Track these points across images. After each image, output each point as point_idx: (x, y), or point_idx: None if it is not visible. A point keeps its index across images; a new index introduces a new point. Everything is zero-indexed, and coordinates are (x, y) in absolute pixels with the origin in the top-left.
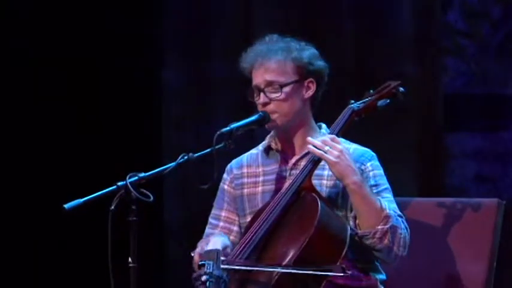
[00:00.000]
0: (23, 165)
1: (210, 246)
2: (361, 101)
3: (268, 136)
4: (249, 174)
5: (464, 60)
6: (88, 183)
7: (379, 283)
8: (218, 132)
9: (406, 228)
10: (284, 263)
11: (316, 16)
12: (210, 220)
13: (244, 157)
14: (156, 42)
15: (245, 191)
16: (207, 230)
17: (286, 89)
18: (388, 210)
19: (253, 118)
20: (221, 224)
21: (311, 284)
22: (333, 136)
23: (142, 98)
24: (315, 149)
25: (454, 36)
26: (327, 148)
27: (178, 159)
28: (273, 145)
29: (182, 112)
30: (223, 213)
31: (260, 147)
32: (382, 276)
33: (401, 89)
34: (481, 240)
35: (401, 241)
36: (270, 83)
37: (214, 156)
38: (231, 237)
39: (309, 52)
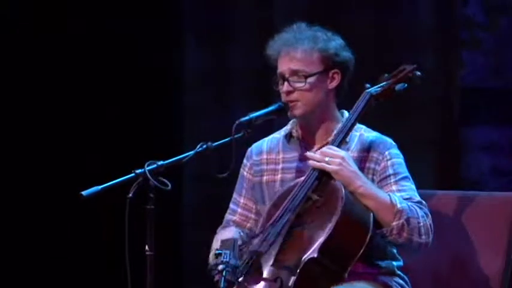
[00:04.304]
0: (26, 166)
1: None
2: (377, 86)
3: (291, 122)
4: (269, 161)
5: (482, 54)
6: (107, 175)
7: (396, 269)
8: (237, 122)
9: (426, 214)
10: (311, 249)
11: (335, 6)
12: (230, 205)
13: (265, 142)
14: (175, 29)
15: (264, 178)
16: (227, 215)
17: (311, 80)
18: (399, 205)
19: (272, 108)
20: (239, 210)
21: (338, 271)
22: (330, 146)
23: (162, 86)
24: (315, 162)
25: (472, 29)
26: (327, 159)
27: (196, 148)
28: (294, 133)
29: (202, 100)
30: (242, 200)
31: (282, 132)
32: (400, 263)
33: (417, 72)
34: (497, 233)
35: (422, 229)
36: (295, 72)
37: (233, 146)
38: (248, 225)
39: (335, 43)
